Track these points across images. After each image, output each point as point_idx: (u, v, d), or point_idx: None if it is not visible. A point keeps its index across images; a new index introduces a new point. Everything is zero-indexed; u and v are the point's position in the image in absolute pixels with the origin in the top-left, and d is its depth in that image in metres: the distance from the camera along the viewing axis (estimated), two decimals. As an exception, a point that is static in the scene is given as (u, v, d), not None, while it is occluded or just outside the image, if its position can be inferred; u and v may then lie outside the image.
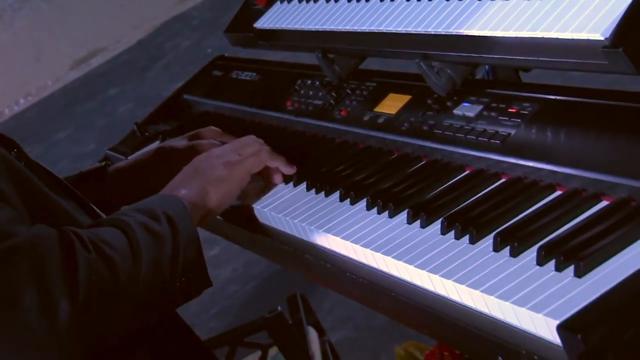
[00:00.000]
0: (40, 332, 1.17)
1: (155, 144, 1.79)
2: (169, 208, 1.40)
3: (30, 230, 1.22)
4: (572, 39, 1.24)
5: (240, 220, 1.66)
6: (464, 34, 1.43)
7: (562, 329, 1.01)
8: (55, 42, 7.37)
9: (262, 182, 1.64)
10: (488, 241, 1.23)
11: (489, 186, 1.36)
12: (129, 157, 1.80)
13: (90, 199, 1.70)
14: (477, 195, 1.35)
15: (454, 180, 1.41)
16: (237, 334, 2.54)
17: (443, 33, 1.47)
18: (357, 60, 1.76)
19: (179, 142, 1.76)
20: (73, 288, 1.19)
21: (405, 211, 1.37)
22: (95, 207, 1.52)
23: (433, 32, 1.49)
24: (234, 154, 1.56)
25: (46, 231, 1.23)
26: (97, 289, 1.22)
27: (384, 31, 1.61)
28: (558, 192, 1.27)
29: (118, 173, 1.76)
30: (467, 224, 1.27)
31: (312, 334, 2.65)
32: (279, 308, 2.49)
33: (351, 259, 1.39)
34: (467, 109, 1.47)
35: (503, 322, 1.12)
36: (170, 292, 1.35)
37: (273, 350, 2.58)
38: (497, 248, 1.21)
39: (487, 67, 1.71)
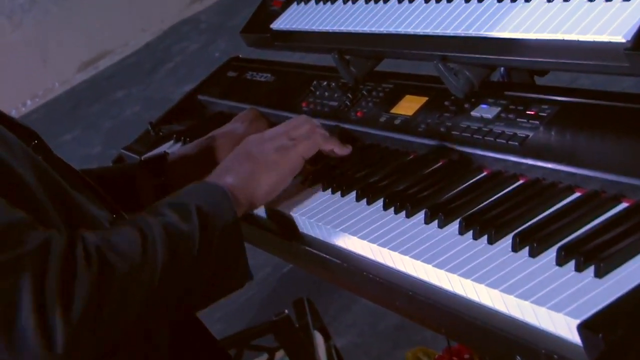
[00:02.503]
0: (37, 350, 1.16)
1: (214, 132, 1.77)
2: (205, 200, 1.37)
3: (40, 238, 1.19)
4: (594, 42, 1.25)
5: (250, 218, 1.66)
6: (484, 35, 1.43)
7: (583, 328, 1.01)
8: (62, 44, 7.38)
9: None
10: (507, 242, 1.23)
11: (507, 187, 1.36)
12: (188, 144, 1.80)
13: (151, 186, 1.70)
14: (496, 197, 1.35)
15: (472, 182, 1.42)
16: (244, 336, 2.55)
17: (462, 35, 1.48)
18: (374, 62, 1.76)
19: (236, 125, 1.76)
20: (67, 307, 1.17)
21: (423, 211, 1.37)
22: (108, 200, 1.51)
23: (452, 34, 1.50)
24: (286, 138, 1.50)
25: (54, 241, 1.21)
26: (95, 305, 1.20)
27: (402, 32, 1.61)
28: (577, 194, 1.27)
29: (179, 160, 1.75)
30: (486, 225, 1.27)
31: (318, 339, 2.65)
32: (286, 311, 2.49)
33: (368, 258, 1.39)
34: (485, 111, 1.48)
35: (522, 321, 1.12)
36: (199, 290, 1.34)
37: (280, 354, 2.59)
38: (516, 248, 1.21)
39: (502, 70, 1.72)
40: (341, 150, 1.56)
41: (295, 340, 2.47)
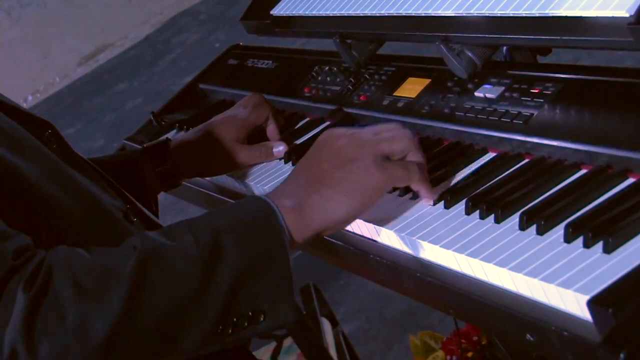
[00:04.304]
0: None
1: (219, 117, 1.74)
2: (239, 220, 1.17)
3: None
4: (597, 17, 1.24)
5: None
6: (486, 14, 1.42)
7: (593, 303, 1.01)
8: (62, 38, 7.38)
9: None
10: (514, 220, 1.23)
11: (512, 166, 1.35)
12: (190, 130, 1.78)
13: (154, 173, 1.69)
14: (501, 176, 1.34)
15: (477, 162, 1.41)
16: (252, 324, 2.54)
17: (464, 14, 1.47)
18: (375, 45, 1.75)
19: (239, 110, 1.74)
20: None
21: (429, 193, 1.37)
22: (123, 190, 1.50)
23: (454, 14, 1.49)
24: (374, 150, 1.25)
25: (4, 256, 1.09)
26: (29, 325, 1.06)
27: (403, 14, 1.60)
28: (583, 171, 1.27)
29: (181, 146, 1.72)
30: (492, 204, 1.26)
31: (326, 325, 2.65)
32: (293, 298, 2.49)
33: (375, 241, 1.38)
34: (489, 91, 1.47)
35: (531, 299, 1.12)
36: (212, 322, 1.13)
37: (288, 341, 2.59)
38: (523, 227, 1.20)
39: (505, 50, 1.71)
40: (428, 195, 1.32)
41: (303, 327, 2.47)
